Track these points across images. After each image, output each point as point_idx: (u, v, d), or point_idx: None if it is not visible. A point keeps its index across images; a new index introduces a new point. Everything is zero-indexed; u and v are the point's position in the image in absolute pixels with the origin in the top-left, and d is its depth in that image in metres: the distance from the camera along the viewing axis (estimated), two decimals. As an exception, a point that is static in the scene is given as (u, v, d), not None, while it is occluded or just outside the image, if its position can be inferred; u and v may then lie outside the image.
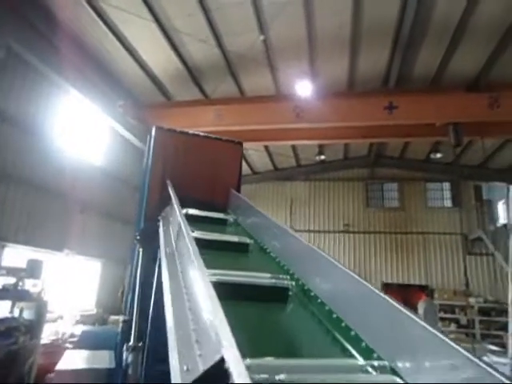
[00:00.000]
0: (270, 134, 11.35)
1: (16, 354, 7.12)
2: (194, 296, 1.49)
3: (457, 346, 1.07)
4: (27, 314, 7.75)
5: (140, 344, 3.15)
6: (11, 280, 7.56)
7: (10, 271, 7.63)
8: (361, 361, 1.39)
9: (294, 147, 15.93)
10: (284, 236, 2.56)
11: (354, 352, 1.50)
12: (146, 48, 10.05)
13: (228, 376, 0.85)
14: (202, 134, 4.45)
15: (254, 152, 15.74)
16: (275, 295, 2.00)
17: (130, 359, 2.98)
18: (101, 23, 8.93)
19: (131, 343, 3.10)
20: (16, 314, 7.60)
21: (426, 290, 15.16)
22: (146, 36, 9.52)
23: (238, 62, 10.48)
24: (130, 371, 2.96)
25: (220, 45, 9.80)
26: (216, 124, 10.04)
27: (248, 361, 1.00)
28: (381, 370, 1.30)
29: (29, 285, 7.85)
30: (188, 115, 10.37)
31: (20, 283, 7.63)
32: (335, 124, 10.18)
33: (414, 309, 10.66)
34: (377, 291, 1.47)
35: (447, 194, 17.28)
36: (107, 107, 10.85)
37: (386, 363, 1.31)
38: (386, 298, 1.40)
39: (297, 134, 11.24)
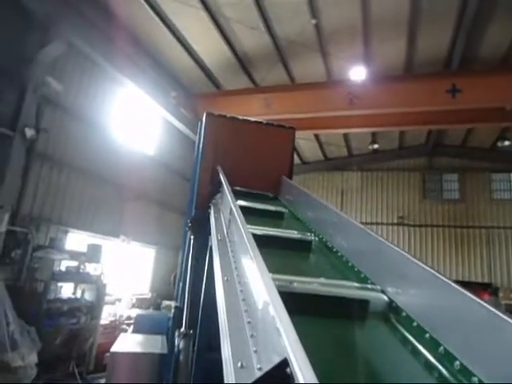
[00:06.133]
0: (321, 122, 11.02)
1: (78, 332, 7.60)
2: (249, 287, 1.38)
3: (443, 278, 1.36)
4: (88, 296, 8.23)
5: (191, 331, 3.14)
6: (73, 263, 8.05)
7: (73, 255, 8.11)
8: (358, 284, 1.82)
9: (345, 136, 15.40)
10: (315, 205, 3.01)
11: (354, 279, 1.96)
12: (196, 38, 10.11)
13: (289, 379, 0.74)
14: (252, 119, 4.35)
15: (304, 141, 15.42)
16: (302, 246, 2.52)
17: (181, 345, 2.97)
18: (154, 15, 9.09)
19: (182, 329, 3.09)
20: (78, 295, 8.10)
21: (488, 288, 14.08)
22: (196, 26, 9.56)
23: (289, 48, 10.23)
24: (181, 357, 2.95)
25: (270, 31, 9.59)
26: (265, 112, 9.91)
27: (273, 275, 1.28)
28: (373, 290, 1.74)
29: (89, 268, 8.30)
30: (237, 104, 10.33)
31: (81, 266, 8.10)
32: (391, 110, 9.62)
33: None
34: (383, 240, 1.82)
35: (516, 185, 15.85)
36: (160, 98, 11.10)
37: (378, 287, 1.75)
38: (382, 239, 1.83)
39: (349, 121, 10.81)
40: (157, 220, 11.84)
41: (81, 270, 8.06)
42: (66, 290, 7.99)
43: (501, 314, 1.14)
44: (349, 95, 9.35)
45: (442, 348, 1.28)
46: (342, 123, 11.19)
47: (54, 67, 8.09)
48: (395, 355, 1.42)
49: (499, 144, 14.01)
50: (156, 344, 3.82)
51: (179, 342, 3.04)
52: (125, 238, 10.23)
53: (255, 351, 1.05)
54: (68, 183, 8.72)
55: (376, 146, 15.10)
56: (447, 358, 1.25)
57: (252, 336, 1.13)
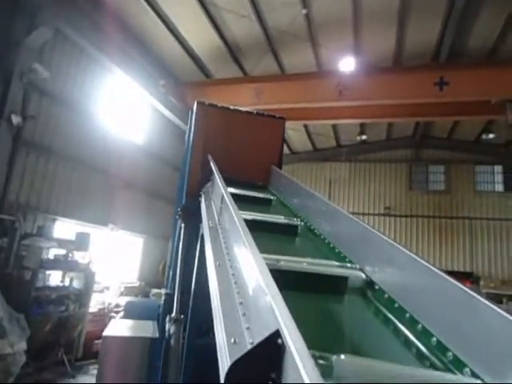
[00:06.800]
0: (311, 112, 11.07)
1: (66, 320, 7.63)
2: (240, 269, 1.45)
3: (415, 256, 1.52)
4: (76, 284, 8.24)
5: (182, 316, 3.21)
6: (62, 251, 8.02)
7: (61, 243, 8.08)
8: (338, 263, 2.01)
9: (334, 127, 15.50)
10: (302, 193, 3.18)
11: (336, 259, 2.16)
12: (186, 26, 10.00)
13: (281, 351, 0.81)
14: (243, 109, 4.39)
15: (293, 131, 15.47)
16: (288, 231, 2.69)
17: (172, 330, 3.04)
18: (143, 1, 8.94)
19: (173, 315, 3.15)
20: (66, 283, 8.10)
21: (470, 277, 14.51)
22: (186, 13, 9.45)
23: (279, 38, 10.20)
24: (172, 342, 3.02)
25: (261, 21, 9.55)
26: (255, 102, 9.92)
27: (262, 255, 1.35)
28: (352, 268, 1.94)
29: (78, 256, 8.28)
30: (227, 93, 10.30)
31: (70, 254, 8.08)
32: (380, 101, 9.72)
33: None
34: (365, 224, 1.98)
35: (499, 177, 16.20)
36: (149, 86, 10.99)
37: (357, 266, 1.94)
38: (362, 223, 2.01)
39: (339, 112, 10.88)
40: (146, 209, 11.82)
41: (69, 258, 8.05)
42: (55, 278, 7.97)
43: (474, 294, 1.23)
44: (338, 86, 9.40)
45: (408, 315, 1.47)
46: (331, 114, 11.26)
47: (41, 53, 7.94)
48: (371, 324, 1.60)
49: (484, 136, 14.29)
50: (147, 329, 3.89)
51: (170, 327, 3.11)
52: (113, 226, 10.20)
53: (247, 328, 1.12)
54: (56, 171, 8.62)
55: (364, 137, 15.23)
56: (411, 322, 1.46)
57: (244, 314, 1.20)
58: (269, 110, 8.43)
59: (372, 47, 10.44)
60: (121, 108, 11.01)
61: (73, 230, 8.80)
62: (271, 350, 0.82)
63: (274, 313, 0.87)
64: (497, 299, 13.63)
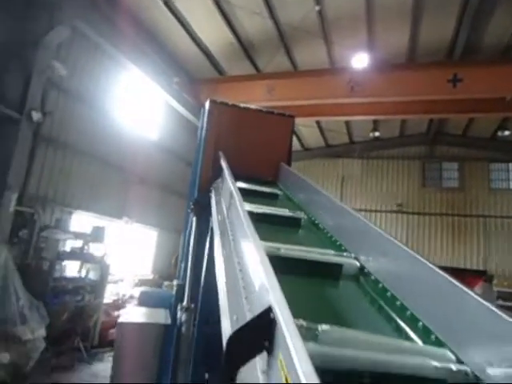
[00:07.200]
0: (323, 108, 11.09)
1: (82, 310, 7.90)
2: (244, 256, 1.58)
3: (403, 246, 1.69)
4: (92, 275, 8.51)
5: (192, 305, 3.37)
6: (78, 243, 8.30)
7: (77, 235, 8.35)
8: (335, 252, 2.18)
9: (347, 123, 15.46)
10: (309, 189, 3.34)
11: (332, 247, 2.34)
12: (199, 23, 10.12)
13: (273, 324, 0.93)
14: (253, 107, 4.50)
15: (305, 128, 15.49)
16: (292, 223, 2.87)
17: (183, 318, 3.20)
18: (158, -1, 9.11)
19: (185, 304, 3.32)
20: (83, 274, 8.38)
21: (483, 275, 14.37)
22: (200, 11, 9.57)
23: (292, 34, 10.24)
24: (183, 329, 3.19)
25: (274, 17, 9.60)
26: (268, 99, 10.00)
27: (264, 243, 1.50)
28: (348, 257, 2.10)
29: (93, 248, 8.56)
30: (240, 90, 10.40)
31: (86, 247, 8.35)
32: (393, 98, 9.69)
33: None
34: (364, 219, 2.14)
35: (515, 175, 15.96)
36: (163, 83, 11.17)
37: (353, 255, 2.11)
38: (362, 218, 2.17)
39: (351, 109, 10.88)
40: (159, 203, 12.06)
41: (85, 251, 8.32)
42: (71, 269, 8.26)
43: (459, 285, 1.33)
44: (350, 83, 9.42)
45: (399, 302, 1.60)
46: (343, 110, 11.27)
47: (59, 51, 8.17)
48: (359, 304, 1.76)
49: (499, 134, 14.07)
50: (161, 316, 4.09)
51: (181, 315, 3.28)
52: (128, 219, 10.46)
53: (249, 309, 1.26)
54: (72, 165, 8.88)
55: (377, 133, 15.15)
56: (402, 309, 1.59)
57: (246, 298, 1.34)
58: (281, 106, 8.53)
59: (385, 44, 10.40)
60: (135, 104, 11.24)
61: (89, 222, 9.08)
62: (265, 323, 0.96)
63: (268, 292, 1.00)
64: (510, 298, 13.51)
